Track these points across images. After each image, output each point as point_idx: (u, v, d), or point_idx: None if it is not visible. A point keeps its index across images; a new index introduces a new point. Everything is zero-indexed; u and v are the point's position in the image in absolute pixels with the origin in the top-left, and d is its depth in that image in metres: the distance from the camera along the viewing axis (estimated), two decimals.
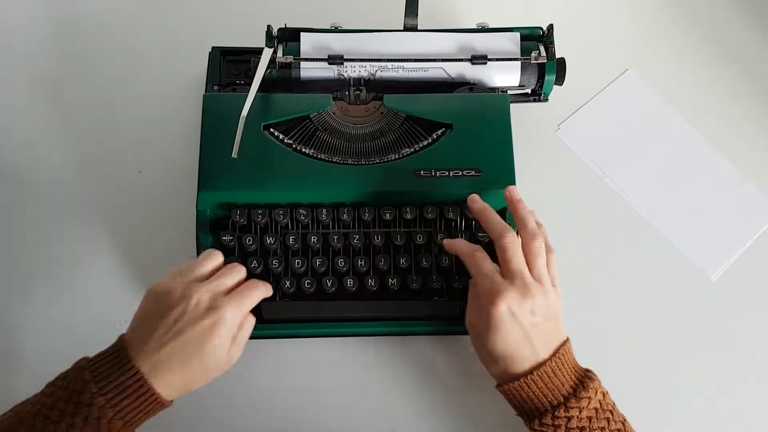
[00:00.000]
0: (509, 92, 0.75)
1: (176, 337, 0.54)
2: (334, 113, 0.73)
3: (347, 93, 0.75)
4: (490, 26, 0.77)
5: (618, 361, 0.69)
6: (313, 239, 0.67)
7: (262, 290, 0.61)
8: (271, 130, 0.70)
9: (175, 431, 0.64)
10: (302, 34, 0.74)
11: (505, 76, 0.75)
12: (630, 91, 0.84)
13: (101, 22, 0.84)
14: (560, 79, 0.76)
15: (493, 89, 0.75)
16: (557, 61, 0.75)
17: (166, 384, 0.54)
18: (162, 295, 0.56)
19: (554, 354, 0.58)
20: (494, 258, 0.61)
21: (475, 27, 0.77)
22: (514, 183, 0.68)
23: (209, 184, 0.68)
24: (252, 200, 0.68)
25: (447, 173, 0.69)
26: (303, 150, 0.70)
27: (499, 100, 0.72)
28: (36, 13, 0.85)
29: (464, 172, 0.69)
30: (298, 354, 0.69)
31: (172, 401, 0.56)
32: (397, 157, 0.70)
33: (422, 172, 0.69)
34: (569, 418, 0.56)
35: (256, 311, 0.60)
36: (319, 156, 0.70)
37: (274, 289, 0.63)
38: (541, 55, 0.74)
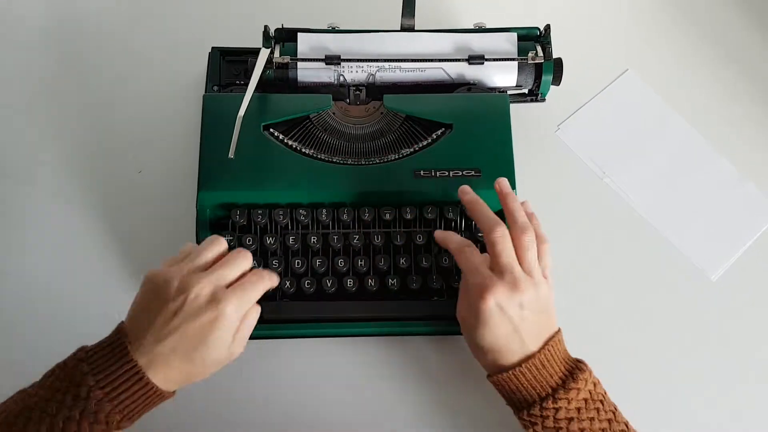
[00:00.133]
0: (507, 92, 0.75)
1: (174, 331, 0.52)
2: (333, 113, 0.73)
3: (347, 93, 0.74)
4: (489, 26, 0.77)
5: (618, 361, 0.68)
6: (313, 239, 0.67)
7: (267, 281, 0.58)
8: (271, 130, 0.70)
9: (175, 429, 0.64)
10: (299, 34, 0.75)
11: (502, 76, 0.75)
12: (630, 91, 0.84)
13: (101, 22, 0.84)
14: (557, 79, 0.76)
15: (493, 89, 0.75)
16: (554, 61, 0.75)
17: (164, 378, 0.53)
18: (160, 285, 0.54)
19: (544, 346, 0.58)
20: (485, 252, 0.60)
21: (473, 27, 0.77)
22: (514, 183, 0.68)
23: (209, 184, 0.68)
24: (252, 200, 0.68)
25: (447, 173, 0.69)
26: (303, 150, 0.70)
27: (499, 100, 0.72)
28: (36, 13, 0.85)
29: (464, 172, 0.69)
30: (298, 354, 0.69)
31: (174, 392, 0.55)
32: (397, 157, 0.70)
33: (422, 172, 0.69)
34: (557, 409, 0.56)
35: None
36: (319, 156, 0.70)
37: (274, 289, 0.63)
38: (538, 55, 0.74)
